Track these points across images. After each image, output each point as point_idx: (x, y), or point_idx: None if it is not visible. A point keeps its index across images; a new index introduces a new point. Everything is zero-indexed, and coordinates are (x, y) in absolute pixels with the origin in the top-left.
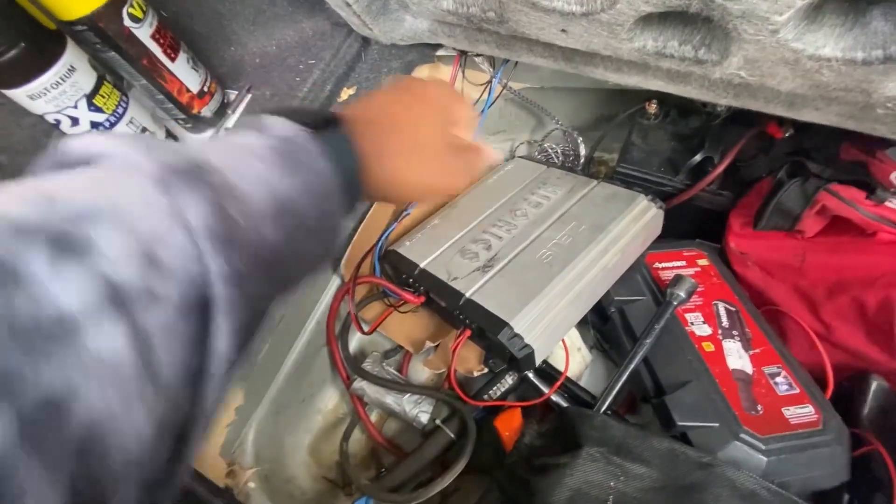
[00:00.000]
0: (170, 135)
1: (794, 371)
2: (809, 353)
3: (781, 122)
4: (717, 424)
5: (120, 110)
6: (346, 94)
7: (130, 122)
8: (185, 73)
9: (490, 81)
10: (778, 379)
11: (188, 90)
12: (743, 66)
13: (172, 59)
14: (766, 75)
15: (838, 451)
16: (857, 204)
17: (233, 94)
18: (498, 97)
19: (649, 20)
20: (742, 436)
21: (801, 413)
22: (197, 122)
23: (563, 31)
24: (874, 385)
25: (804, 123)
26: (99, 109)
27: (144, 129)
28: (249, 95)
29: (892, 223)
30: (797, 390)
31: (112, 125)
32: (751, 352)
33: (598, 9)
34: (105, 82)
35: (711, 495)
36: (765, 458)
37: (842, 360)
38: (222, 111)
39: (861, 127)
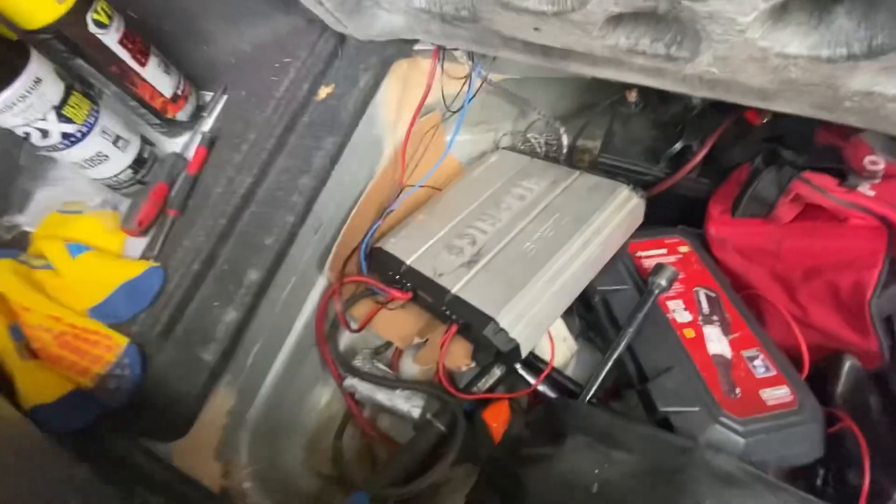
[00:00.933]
0: (145, 140)
1: (772, 354)
2: (787, 336)
3: (759, 108)
4: (697, 409)
5: (91, 120)
6: (324, 92)
7: (104, 131)
8: (157, 77)
9: (469, 75)
10: (756, 362)
11: (161, 94)
12: (713, 63)
13: (143, 64)
14: (736, 71)
15: (813, 430)
16: (828, 191)
17: (208, 96)
18: (478, 91)
19: (620, 19)
20: (721, 419)
21: (778, 394)
22: (172, 127)
23: (536, 29)
24: (847, 364)
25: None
26: (69, 120)
27: (118, 138)
28: (225, 97)
29: (863, 209)
30: (774, 372)
31: (84, 135)
32: (730, 336)
33: (568, 8)
34: (74, 92)
35: (690, 478)
36: (742, 440)
37: (817, 341)
38: (198, 114)
39: (832, 117)
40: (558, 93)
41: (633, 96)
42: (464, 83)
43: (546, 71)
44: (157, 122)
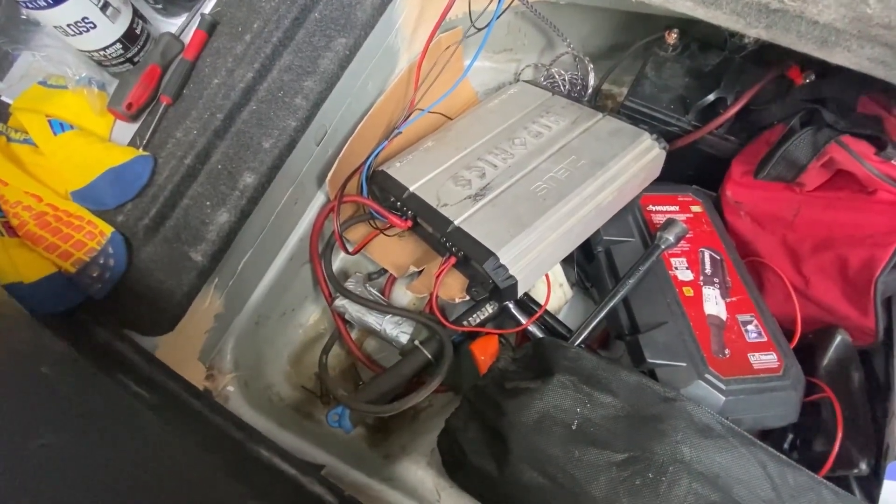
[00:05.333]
0: (137, 14)
1: (766, 320)
2: (784, 305)
3: (804, 67)
4: (684, 364)
5: None
6: None
7: None
8: None
9: None
10: (749, 327)
11: None
12: None
13: None
14: (808, 0)
15: (792, 396)
16: (864, 159)
17: None
18: (508, 7)
19: None
20: (706, 376)
21: (765, 359)
22: (168, 4)
23: None
24: (838, 339)
25: (825, 71)
26: None
27: (107, 4)
28: None
29: (894, 181)
30: (765, 338)
31: None
32: (728, 299)
33: None
34: None
35: (670, 426)
36: (723, 398)
37: (812, 313)
38: None
39: (890, 75)
40: (593, 27)
41: (672, 38)
42: None
43: None
44: None
